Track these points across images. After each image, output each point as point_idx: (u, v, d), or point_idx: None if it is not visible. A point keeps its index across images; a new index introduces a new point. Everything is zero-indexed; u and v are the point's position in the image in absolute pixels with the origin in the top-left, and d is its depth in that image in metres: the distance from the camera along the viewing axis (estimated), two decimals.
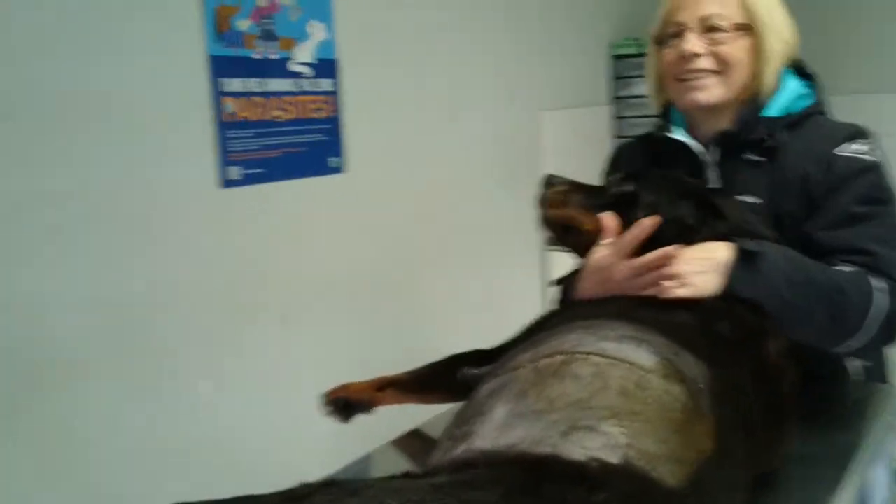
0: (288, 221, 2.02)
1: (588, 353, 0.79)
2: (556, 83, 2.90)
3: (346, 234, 2.19)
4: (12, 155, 1.48)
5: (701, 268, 1.00)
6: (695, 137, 1.29)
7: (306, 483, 0.63)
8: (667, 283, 0.99)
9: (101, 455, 1.63)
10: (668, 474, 0.66)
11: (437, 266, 2.49)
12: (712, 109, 1.26)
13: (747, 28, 1.22)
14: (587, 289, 1.09)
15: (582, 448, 0.67)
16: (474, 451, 0.69)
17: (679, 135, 1.30)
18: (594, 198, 1.13)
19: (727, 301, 1.00)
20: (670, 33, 1.26)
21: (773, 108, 1.25)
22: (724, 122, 1.26)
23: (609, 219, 1.08)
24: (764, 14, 1.23)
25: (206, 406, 1.83)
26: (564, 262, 2.83)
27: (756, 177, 1.22)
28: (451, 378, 1.10)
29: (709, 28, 1.22)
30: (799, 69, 1.30)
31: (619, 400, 0.73)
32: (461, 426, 0.78)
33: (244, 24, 1.86)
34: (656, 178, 1.12)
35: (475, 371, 1.08)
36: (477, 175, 2.61)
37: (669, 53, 1.26)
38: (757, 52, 1.23)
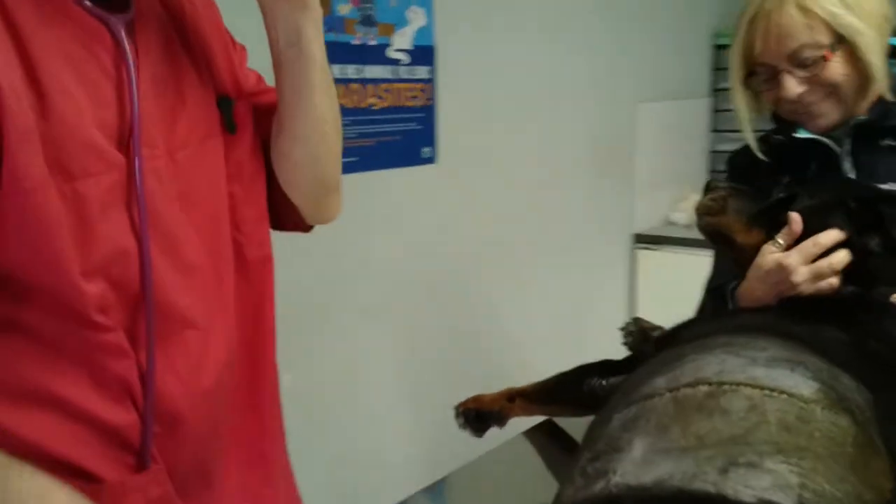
0: (379, 212, 1.98)
1: (738, 384, 0.72)
2: (655, 74, 2.78)
3: (435, 227, 2.14)
4: None
5: None
6: (817, 131, 1.23)
7: None
8: None
9: None
10: None
11: (524, 261, 2.42)
12: None
13: (839, 41, 1.13)
14: (756, 289, 1.03)
15: (747, 487, 0.60)
16: (619, 486, 0.62)
17: (805, 133, 1.23)
18: (754, 204, 1.07)
19: (879, 316, 0.91)
20: (762, 77, 1.19)
21: None
22: (821, 122, 1.20)
23: (796, 218, 1.01)
24: (850, 18, 1.13)
25: (286, 396, 1.81)
26: (656, 261, 2.74)
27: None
28: (578, 389, 1.06)
29: (800, 63, 1.14)
30: None
31: (781, 435, 0.65)
32: (594, 462, 0.72)
33: (345, 9, 1.83)
34: (825, 182, 1.05)
35: (603, 382, 1.05)
36: (570, 168, 2.52)
37: (769, 95, 1.21)
38: (857, 57, 1.14)
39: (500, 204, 2.30)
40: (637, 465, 0.66)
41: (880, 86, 1.17)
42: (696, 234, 2.68)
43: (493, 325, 2.34)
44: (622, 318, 3.00)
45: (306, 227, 1.00)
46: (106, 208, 0.71)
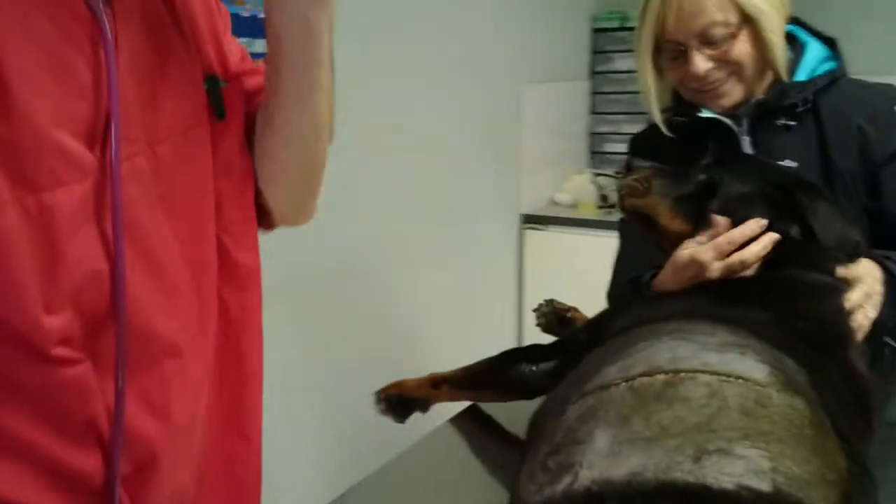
0: None
1: (694, 371, 0.73)
2: (537, 56, 2.81)
3: (321, 212, 2.06)
4: None
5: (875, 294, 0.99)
6: (719, 111, 1.26)
7: None
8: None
9: None
10: (821, 500, 0.60)
11: (415, 245, 2.39)
12: None
13: (745, 20, 1.18)
14: (670, 283, 1.04)
15: (723, 474, 0.60)
16: (597, 482, 0.61)
17: (707, 113, 1.27)
18: (677, 186, 1.07)
19: (796, 297, 0.95)
20: (670, 55, 1.22)
21: (801, 73, 1.24)
22: (724, 102, 1.23)
23: (721, 220, 1.02)
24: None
25: None
26: (542, 241, 2.79)
27: (792, 141, 1.22)
28: (507, 375, 1.04)
29: (709, 41, 1.18)
30: (817, 34, 1.29)
31: (743, 420, 0.67)
32: (554, 455, 0.71)
33: None
34: (744, 166, 1.07)
35: (533, 368, 1.03)
36: (459, 150, 2.51)
37: (677, 73, 1.23)
38: (761, 37, 1.19)
39: (389, 188, 2.25)
40: (604, 457, 0.65)
41: (779, 66, 1.22)
42: (580, 214, 2.81)
43: (383, 309, 2.30)
44: (514, 298, 3.06)
45: (271, 227, 0.90)
46: (77, 224, 0.60)
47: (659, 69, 1.26)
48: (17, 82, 0.56)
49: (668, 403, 0.69)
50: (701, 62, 1.18)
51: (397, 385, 1.15)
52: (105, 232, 0.62)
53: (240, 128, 0.79)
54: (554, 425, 0.76)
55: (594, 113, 3.12)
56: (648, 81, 1.26)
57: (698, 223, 1.04)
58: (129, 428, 0.65)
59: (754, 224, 1.00)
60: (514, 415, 1.15)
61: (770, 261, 0.99)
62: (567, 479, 0.65)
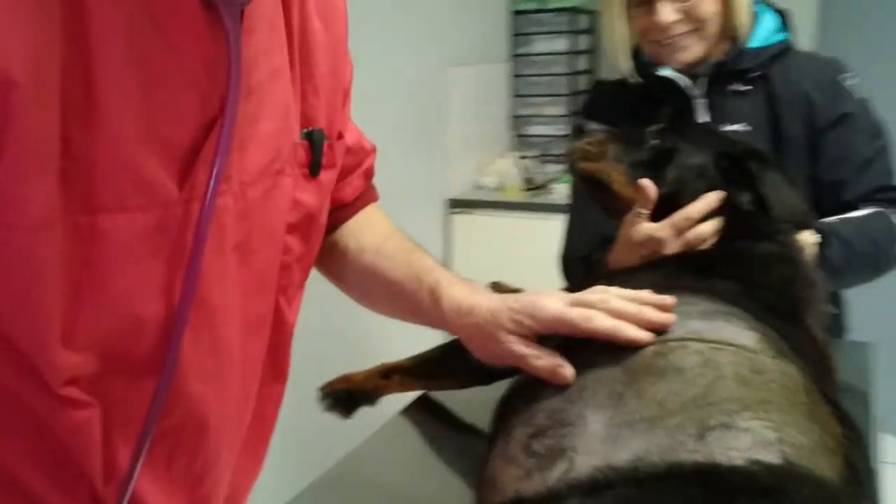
0: None
1: (682, 339, 0.69)
2: (458, 39, 2.76)
3: None
4: None
5: None
6: (676, 66, 1.28)
7: None
8: None
9: None
10: (828, 468, 0.58)
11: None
12: None
13: None
14: (626, 260, 1.01)
15: (730, 450, 0.57)
16: (601, 469, 0.56)
17: (667, 72, 1.28)
18: (631, 152, 1.04)
19: (750, 267, 0.94)
20: (637, 1, 1.23)
21: (756, 41, 1.27)
22: (682, 56, 1.25)
23: (650, 188, 0.99)
24: None
25: None
26: (469, 225, 2.76)
27: (745, 106, 1.25)
28: (465, 361, 0.98)
29: None
30: (770, 4, 1.32)
31: (740, 390, 0.63)
32: (540, 438, 0.66)
33: None
34: (697, 134, 1.06)
35: None
36: (384, 134, 2.43)
37: (641, 21, 1.24)
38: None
39: None
40: (602, 441, 0.61)
41: (742, 29, 1.23)
42: (506, 197, 2.78)
43: (308, 301, 2.21)
44: None
45: None
46: (131, 259, 0.51)
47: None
48: (111, 97, 0.47)
49: (661, 375, 0.65)
50: (667, 12, 1.19)
51: (344, 379, 1.08)
52: (166, 276, 0.53)
53: (329, 190, 0.74)
54: (532, 406, 0.71)
55: (515, 96, 3.10)
56: (617, 29, 1.27)
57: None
58: (138, 497, 0.57)
59: (709, 199, 0.97)
60: (467, 403, 1.10)
61: (724, 232, 0.97)
62: (562, 466, 0.60)
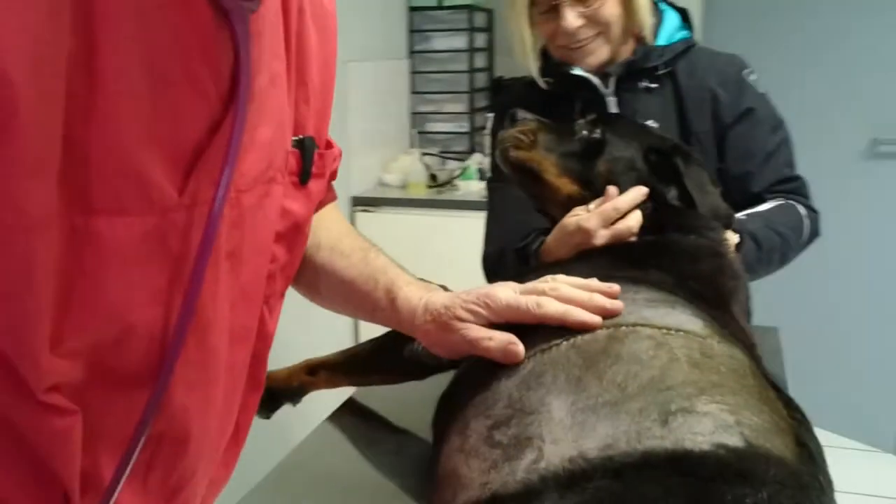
0: None
1: (633, 325, 0.70)
2: (358, 35, 2.72)
3: None
4: None
5: None
6: (585, 69, 1.30)
7: None
8: None
9: None
10: (783, 448, 0.59)
11: None
12: None
13: None
14: (558, 250, 1.03)
15: (695, 434, 0.57)
16: (574, 459, 0.56)
17: (578, 71, 1.30)
18: (561, 142, 1.05)
19: (676, 259, 0.96)
20: (541, 8, 1.24)
21: (661, 38, 1.30)
22: (591, 60, 1.27)
23: (614, 190, 1.00)
24: None
25: None
26: (373, 223, 2.72)
27: (653, 103, 1.28)
28: (397, 355, 0.96)
29: None
30: (671, 3, 1.35)
31: (693, 373, 0.64)
32: (501, 428, 0.64)
33: None
34: (625, 127, 1.07)
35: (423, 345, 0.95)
36: None
37: (547, 27, 1.26)
38: (628, 1, 1.25)
39: None
40: (569, 428, 0.61)
41: (645, 29, 1.26)
42: (410, 195, 2.77)
43: None
44: None
45: None
46: (127, 264, 0.48)
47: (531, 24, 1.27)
48: (113, 84, 0.45)
49: (617, 358, 0.66)
50: (572, 18, 1.20)
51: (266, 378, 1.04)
52: (162, 284, 0.51)
53: (317, 199, 0.73)
54: (486, 397, 0.70)
55: (414, 93, 3.09)
56: (525, 34, 1.27)
57: (583, 182, 1.03)
58: None
59: (636, 192, 1.00)
60: (397, 403, 1.08)
61: (652, 225, 0.99)
62: (530, 455, 0.60)
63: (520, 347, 0.71)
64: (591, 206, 1.01)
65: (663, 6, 1.34)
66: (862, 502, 2.45)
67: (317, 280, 0.85)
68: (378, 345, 1.02)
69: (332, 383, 1.05)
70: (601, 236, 0.99)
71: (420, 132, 3.09)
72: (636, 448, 0.55)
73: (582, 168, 1.03)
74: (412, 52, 3.06)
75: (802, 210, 1.25)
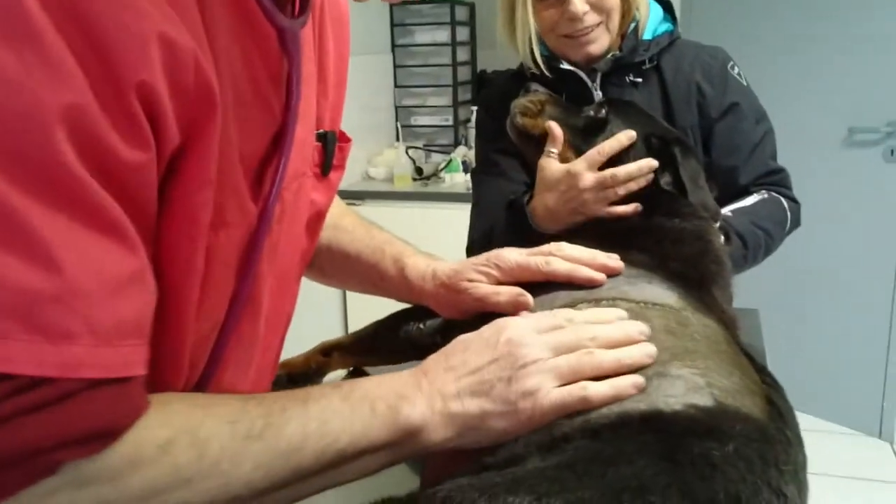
0: None
1: (613, 299, 0.73)
2: None
3: None
4: None
5: None
6: (584, 59, 1.29)
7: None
8: None
9: None
10: (753, 407, 0.62)
11: None
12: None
13: None
14: (548, 199, 1.07)
15: (669, 397, 0.60)
16: (556, 425, 0.59)
17: (567, 65, 1.31)
18: (569, 117, 1.09)
19: (660, 241, 0.98)
20: None
21: (647, 33, 1.30)
22: (592, 49, 1.27)
23: (556, 127, 1.06)
24: None
25: None
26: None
27: (639, 97, 1.28)
28: (395, 337, 1.00)
29: None
30: None
31: (669, 339, 0.67)
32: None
33: None
34: (632, 113, 1.09)
35: (420, 326, 0.99)
36: None
37: (550, 14, 1.25)
38: None
39: None
40: None
41: (641, 20, 1.28)
42: (396, 188, 2.78)
43: None
44: None
45: None
46: (225, 269, 0.53)
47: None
48: (222, 105, 0.48)
49: None
50: (580, 4, 1.20)
51: (283, 365, 1.07)
52: (238, 283, 0.55)
53: (335, 189, 0.76)
54: None
55: (397, 86, 3.10)
56: (530, 22, 1.26)
57: (581, 155, 1.06)
58: None
59: (645, 163, 1.02)
60: None
61: (642, 203, 1.02)
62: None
63: (528, 298, 0.74)
64: (552, 148, 1.06)
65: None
66: (845, 485, 2.49)
67: (320, 259, 0.87)
68: (378, 326, 1.06)
69: (344, 364, 1.09)
70: (587, 179, 1.02)
71: (404, 126, 3.11)
72: (613, 410, 0.57)
73: (582, 142, 1.06)
74: (395, 47, 3.08)
75: (785, 203, 1.27)
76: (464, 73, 3.11)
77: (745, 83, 1.31)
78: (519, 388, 0.58)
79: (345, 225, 0.89)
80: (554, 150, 1.07)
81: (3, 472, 0.40)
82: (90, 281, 0.40)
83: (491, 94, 1.45)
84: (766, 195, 1.26)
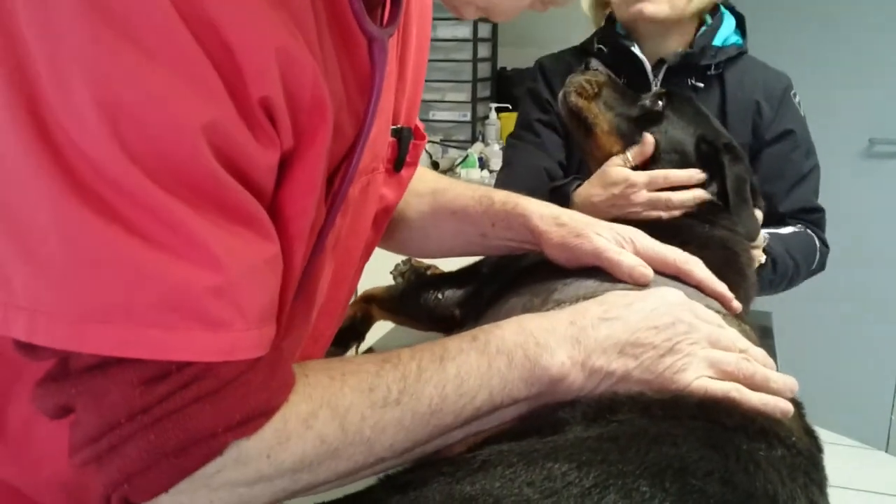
0: None
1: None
2: None
3: None
4: None
5: None
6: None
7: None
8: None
9: None
10: (798, 429, 0.61)
11: None
12: (658, 27, 1.27)
13: None
14: (596, 195, 1.04)
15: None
16: (605, 395, 0.57)
17: (636, 49, 1.29)
18: (624, 103, 1.05)
19: (692, 241, 0.97)
20: None
21: (717, 40, 1.29)
22: (665, 47, 1.27)
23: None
24: None
25: None
26: None
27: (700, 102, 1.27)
28: (416, 302, 1.02)
29: None
30: (730, 8, 1.35)
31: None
32: None
33: None
34: (688, 110, 1.06)
35: (439, 296, 1.00)
36: None
37: None
38: None
39: None
40: None
41: (702, 17, 1.27)
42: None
43: None
44: None
45: None
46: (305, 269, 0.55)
47: None
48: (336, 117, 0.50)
49: None
50: None
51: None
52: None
53: (406, 185, 0.76)
54: None
55: None
56: None
57: (629, 146, 1.03)
58: None
59: (693, 173, 1.00)
60: None
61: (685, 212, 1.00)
62: None
63: (649, 271, 0.70)
64: (629, 154, 1.02)
65: (723, 10, 1.33)
66: (852, 497, 2.48)
67: (425, 226, 0.86)
68: (406, 287, 1.07)
69: (381, 316, 1.09)
70: (642, 196, 0.99)
71: (422, 120, 3.08)
72: (669, 389, 0.57)
73: (632, 133, 1.03)
74: None
75: (818, 243, 1.26)
76: (484, 70, 3.10)
77: (802, 114, 1.30)
78: (670, 363, 0.57)
79: (442, 187, 0.87)
80: (630, 157, 1.02)
81: (180, 457, 0.44)
82: (241, 271, 0.44)
83: (551, 62, 1.41)
84: (801, 229, 1.25)
